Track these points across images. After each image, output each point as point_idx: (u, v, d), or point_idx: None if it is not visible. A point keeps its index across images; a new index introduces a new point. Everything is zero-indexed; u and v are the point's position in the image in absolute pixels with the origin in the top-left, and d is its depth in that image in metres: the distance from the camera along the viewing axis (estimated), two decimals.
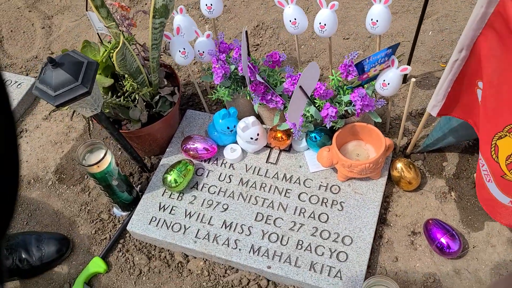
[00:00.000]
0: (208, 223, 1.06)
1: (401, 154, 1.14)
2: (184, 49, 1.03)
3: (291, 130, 1.06)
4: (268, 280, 1.01)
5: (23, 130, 1.38)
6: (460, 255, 0.99)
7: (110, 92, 1.04)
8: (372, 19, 0.94)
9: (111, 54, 0.96)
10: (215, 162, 1.16)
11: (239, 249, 1.01)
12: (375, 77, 0.99)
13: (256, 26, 1.47)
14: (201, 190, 1.12)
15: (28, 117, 1.41)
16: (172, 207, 1.10)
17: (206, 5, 1.04)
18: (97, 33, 0.99)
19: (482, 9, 0.59)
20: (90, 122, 1.09)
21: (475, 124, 0.83)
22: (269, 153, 1.15)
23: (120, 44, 0.86)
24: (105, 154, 0.99)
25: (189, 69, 1.15)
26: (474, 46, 0.66)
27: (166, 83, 1.14)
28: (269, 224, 1.04)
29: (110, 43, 1.02)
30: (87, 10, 0.92)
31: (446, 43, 1.32)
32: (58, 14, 1.68)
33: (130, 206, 1.14)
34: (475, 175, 1.06)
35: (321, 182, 1.09)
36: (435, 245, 0.98)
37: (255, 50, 1.41)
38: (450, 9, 1.40)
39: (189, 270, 1.05)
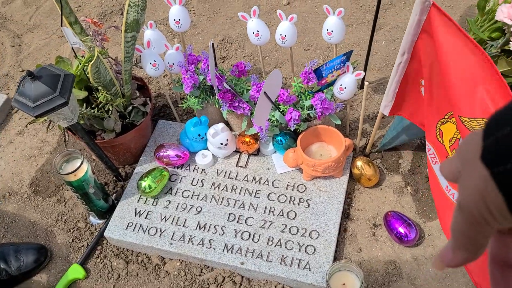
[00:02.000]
0: (183, 226, 1.11)
1: (361, 154, 1.23)
2: (154, 61, 1.09)
3: (258, 134, 1.13)
4: (242, 277, 1.07)
5: None
6: (417, 243, 1.08)
7: (84, 104, 1.09)
8: (327, 30, 1.03)
9: (86, 67, 1.02)
10: (188, 168, 1.22)
11: (214, 248, 1.07)
12: (333, 83, 1.08)
13: (222, 40, 1.55)
14: (175, 195, 1.17)
15: (1, 133, 1.43)
16: (148, 212, 1.15)
17: (175, 20, 1.11)
18: (72, 48, 1.04)
19: (416, 17, 0.68)
20: (66, 133, 1.13)
21: (420, 122, 0.93)
22: (239, 158, 1.22)
23: (95, 57, 0.92)
24: (81, 163, 1.03)
25: (160, 81, 1.22)
26: (414, 49, 0.75)
27: (138, 94, 1.19)
28: (241, 223, 1.10)
29: (84, 57, 1.07)
30: (62, 26, 0.97)
31: (398, 51, 1.43)
32: (27, 33, 1.71)
33: (106, 214, 1.18)
34: (427, 170, 1.16)
35: (288, 182, 1.16)
36: (394, 235, 1.06)
37: (222, 62, 1.49)
38: (400, 21, 1.52)
39: (166, 271, 1.10)
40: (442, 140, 0.83)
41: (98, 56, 0.93)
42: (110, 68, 1.12)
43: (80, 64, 1.02)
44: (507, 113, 0.27)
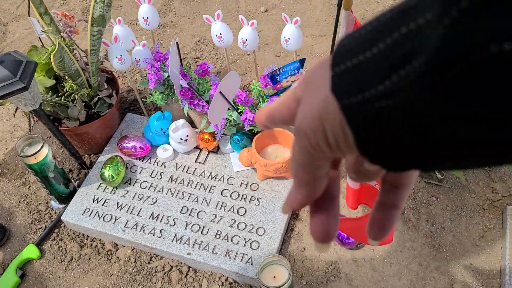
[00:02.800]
0: (137, 215, 1.16)
1: None
2: (121, 55, 1.14)
3: (215, 132, 1.18)
4: (189, 267, 1.11)
5: None
6: (359, 246, 1.13)
7: (50, 92, 1.14)
8: (285, 37, 1.09)
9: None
10: (149, 160, 1.26)
11: (164, 238, 1.12)
12: (289, 87, 1.13)
13: (198, 41, 1.61)
14: (133, 185, 1.22)
15: None
16: (105, 200, 1.19)
17: (143, 18, 1.17)
18: (39, 38, 1.09)
19: (344, 29, 0.74)
20: (31, 118, 1.18)
21: None
22: (199, 154, 1.27)
23: (57, 47, 0.97)
24: (41, 147, 1.08)
25: (128, 76, 1.27)
26: None
27: (106, 86, 1.24)
28: (193, 216, 1.15)
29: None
30: (29, 16, 1.02)
31: None
32: (13, 22, 1.77)
33: (67, 199, 1.23)
34: None
35: (243, 180, 1.21)
36: (336, 236, 1.11)
37: (195, 62, 1.54)
38: None
39: (117, 257, 1.14)
40: None
41: (60, 46, 0.98)
42: (79, 60, 1.17)
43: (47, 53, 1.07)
44: (359, 39, 0.23)
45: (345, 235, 1.10)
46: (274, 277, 0.92)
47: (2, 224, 1.20)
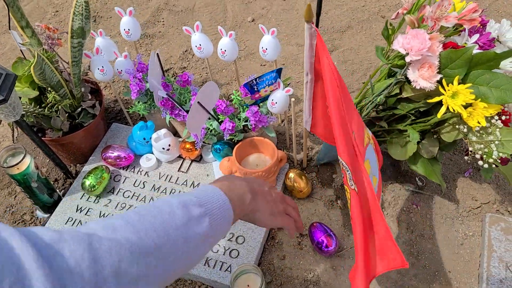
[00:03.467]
0: None
1: (299, 167, 1.29)
2: (102, 67, 1.16)
3: (194, 141, 1.20)
4: None
5: None
6: (338, 254, 1.13)
7: (33, 103, 1.16)
8: (262, 47, 1.11)
9: None
10: (133, 169, 1.28)
11: None
12: (267, 97, 1.14)
13: (185, 51, 1.63)
14: (116, 194, 1.23)
15: None
16: (89, 209, 1.21)
17: (124, 29, 1.19)
18: (20, 50, 1.11)
19: (307, 40, 0.75)
20: (16, 129, 1.20)
21: (326, 138, 1.00)
22: (182, 163, 1.28)
23: (35, 59, 0.99)
24: (23, 157, 1.10)
25: (114, 87, 1.29)
26: (315, 72, 0.82)
27: (90, 97, 1.26)
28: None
29: None
30: (10, 29, 1.05)
31: (348, 72, 1.50)
32: (4, 34, 1.79)
33: (52, 208, 1.24)
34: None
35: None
36: (315, 244, 1.12)
37: (182, 72, 1.56)
38: (355, 44, 1.60)
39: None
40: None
41: (40, 58, 1.00)
42: (63, 71, 1.19)
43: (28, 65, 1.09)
44: None
45: (323, 242, 1.10)
46: (248, 285, 0.92)
47: None
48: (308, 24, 0.71)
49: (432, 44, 0.81)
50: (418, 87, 0.85)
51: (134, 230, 0.52)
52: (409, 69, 0.85)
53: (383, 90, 0.95)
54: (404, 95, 0.92)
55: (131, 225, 0.53)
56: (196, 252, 0.59)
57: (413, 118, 0.97)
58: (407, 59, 0.83)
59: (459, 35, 0.90)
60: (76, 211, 1.20)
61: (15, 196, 1.31)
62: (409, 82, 0.88)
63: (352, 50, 1.57)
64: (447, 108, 0.84)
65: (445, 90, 0.84)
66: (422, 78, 0.84)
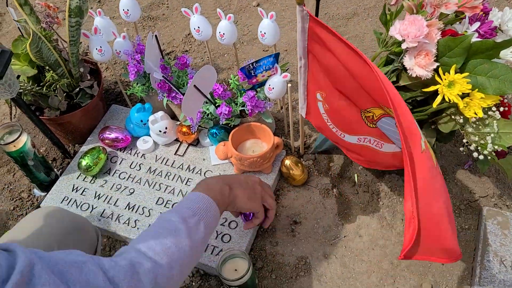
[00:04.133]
0: (114, 205, 1.18)
1: (296, 154, 1.28)
2: (100, 47, 1.16)
3: (190, 125, 1.19)
4: None
5: None
6: (332, 242, 1.12)
7: (32, 81, 1.16)
8: (261, 31, 1.09)
9: None
10: (129, 151, 1.28)
11: (138, 228, 1.13)
12: (265, 82, 1.13)
13: (188, 34, 1.61)
14: (112, 175, 1.24)
15: None
16: (84, 189, 1.21)
17: (124, 10, 1.18)
18: (18, 27, 1.11)
19: (299, 24, 0.73)
20: (14, 107, 1.20)
21: (320, 127, 0.98)
22: (179, 146, 1.28)
23: (31, 37, 0.99)
24: (20, 135, 1.10)
25: (116, 68, 1.28)
26: (308, 55, 0.80)
27: (89, 77, 1.26)
28: (168, 207, 1.16)
29: None
30: (7, 6, 1.04)
31: None
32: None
33: (49, 187, 1.25)
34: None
35: (220, 174, 1.22)
36: (242, 215, 1.07)
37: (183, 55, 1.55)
38: (360, 31, 1.57)
39: (101, 243, 1.16)
40: (375, 124, 0.88)
41: (36, 36, 1.00)
42: (62, 50, 1.19)
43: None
44: None
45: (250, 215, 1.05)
46: (236, 270, 0.92)
47: None
48: (300, 6, 0.69)
49: (430, 31, 0.79)
50: (414, 75, 0.83)
51: (159, 258, 0.68)
52: (405, 57, 0.84)
53: None
54: (401, 83, 0.90)
55: (152, 251, 0.68)
56: (198, 253, 0.77)
57: (410, 107, 0.95)
58: (403, 46, 0.81)
59: (460, 23, 0.87)
60: (72, 191, 1.21)
61: (14, 174, 1.33)
62: (405, 70, 0.86)
63: (356, 38, 1.55)
64: (443, 97, 0.82)
65: (441, 79, 0.82)
66: (418, 66, 0.82)
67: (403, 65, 0.86)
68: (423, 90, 0.85)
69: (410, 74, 0.84)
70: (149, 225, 1.12)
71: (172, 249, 0.69)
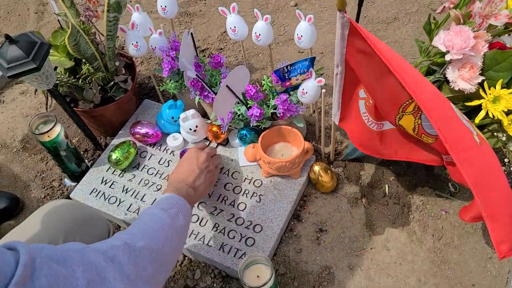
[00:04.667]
0: (141, 200, 1.18)
1: (326, 160, 1.25)
2: (136, 42, 1.16)
3: (220, 125, 1.18)
4: (185, 256, 1.13)
5: (0, 101, 1.53)
6: (357, 254, 1.10)
7: (68, 73, 1.18)
8: (297, 34, 1.07)
9: None
10: (159, 147, 1.28)
11: None
12: (298, 86, 1.11)
13: (223, 32, 1.61)
14: (141, 170, 1.24)
15: (7, 90, 1.56)
16: (113, 182, 1.23)
17: (161, 6, 1.18)
18: (58, 20, 1.13)
19: (339, 30, 0.71)
20: (49, 97, 1.22)
21: (359, 143, 0.95)
22: (208, 145, 1.27)
23: (70, 30, 1.00)
24: (54, 125, 1.12)
25: (147, 63, 1.29)
26: (346, 62, 0.78)
27: (123, 72, 1.27)
28: (194, 206, 1.16)
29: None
30: None
31: None
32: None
33: (79, 178, 1.27)
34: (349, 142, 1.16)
35: (247, 176, 1.20)
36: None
37: (218, 53, 1.54)
38: (400, 36, 1.52)
39: None
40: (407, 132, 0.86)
41: (75, 29, 1.01)
42: (99, 44, 1.20)
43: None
44: None
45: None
46: (258, 276, 0.91)
47: (17, 196, 1.26)
48: (341, 13, 0.67)
49: (476, 43, 0.75)
50: (456, 88, 0.79)
51: (150, 237, 0.75)
52: (448, 68, 0.80)
53: None
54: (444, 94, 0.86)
55: (147, 235, 0.76)
56: (182, 237, 0.86)
57: None
58: (447, 57, 0.77)
59: (509, 35, 0.83)
60: (101, 183, 1.23)
61: (46, 163, 1.35)
62: (447, 82, 0.82)
63: (396, 44, 1.50)
64: (487, 113, 0.78)
65: (486, 94, 0.77)
66: (461, 79, 0.78)
67: (445, 77, 0.82)
68: (466, 104, 0.81)
69: (452, 86, 0.80)
70: None
71: (160, 231, 0.78)
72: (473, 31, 0.76)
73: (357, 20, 1.14)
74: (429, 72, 0.90)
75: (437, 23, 0.85)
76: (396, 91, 0.75)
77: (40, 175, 1.33)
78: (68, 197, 1.23)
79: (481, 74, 0.79)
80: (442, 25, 0.85)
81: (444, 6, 0.85)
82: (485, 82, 0.78)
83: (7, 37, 0.95)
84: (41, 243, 0.74)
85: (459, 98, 0.84)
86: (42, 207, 0.90)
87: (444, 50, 0.76)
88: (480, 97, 0.79)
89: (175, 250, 0.81)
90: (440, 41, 0.76)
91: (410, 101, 0.77)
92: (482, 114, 0.78)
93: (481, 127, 0.89)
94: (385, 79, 0.74)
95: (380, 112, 0.89)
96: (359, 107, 0.89)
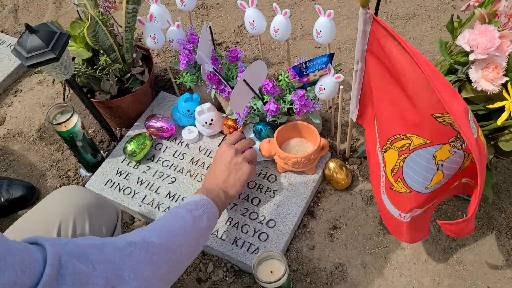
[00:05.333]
0: (155, 192, 1.19)
1: (341, 157, 1.24)
2: (154, 34, 1.16)
3: (236, 119, 1.18)
4: None
5: (18, 90, 1.55)
6: (371, 252, 1.09)
7: (86, 64, 1.18)
8: (316, 29, 1.06)
9: None
10: (174, 140, 1.29)
11: None
12: (316, 81, 1.10)
13: (240, 26, 1.60)
14: (156, 162, 1.25)
15: (24, 80, 1.57)
16: (128, 173, 1.23)
17: None
18: (77, 11, 1.13)
19: (361, 27, 0.70)
20: (67, 88, 1.23)
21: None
22: (223, 139, 1.27)
23: (89, 21, 1.00)
24: (71, 116, 1.13)
25: (163, 55, 1.29)
26: (366, 60, 0.76)
27: (140, 63, 1.27)
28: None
29: None
30: None
31: None
32: None
33: (94, 168, 1.28)
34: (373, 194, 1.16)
35: (262, 171, 1.20)
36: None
37: (234, 47, 1.54)
38: (419, 33, 1.50)
39: (132, 229, 1.18)
40: (385, 169, 0.84)
41: (94, 20, 1.01)
42: (117, 35, 1.20)
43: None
44: None
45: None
46: (271, 271, 0.91)
47: (33, 185, 1.28)
48: (364, 9, 0.66)
49: (501, 43, 0.74)
50: (479, 89, 0.78)
51: (168, 236, 0.76)
52: (471, 68, 0.78)
53: None
54: (463, 95, 0.84)
55: (166, 234, 0.76)
56: (201, 239, 0.85)
57: None
58: (471, 57, 0.76)
59: None
60: (116, 174, 1.23)
61: (62, 152, 1.36)
62: (470, 81, 0.81)
63: (415, 40, 1.48)
64: (510, 115, 0.77)
65: (509, 95, 0.76)
66: (485, 79, 0.76)
67: (468, 77, 0.81)
68: (488, 106, 0.79)
69: (474, 87, 0.78)
70: None
71: (180, 231, 0.78)
72: (499, 31, 0.74)
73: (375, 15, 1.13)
74: (450, 71, 0.88)
75: (461, 22, 0.83)
76: (399, 115, 0.73)
77: (56, 164, 1.34)
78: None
79: (505, 75, 0.77)
80: (466, 23, 0.83)
81: (469, 4, 0.83)
82: (509, 83, 0.76)
83: (28, 26, 0.95)
84: (55, 226, 0.82)
85: (481, 98, 0.83)
86: (54, 192, 0.91)
87: (468, 49, 0.75)
88: (503, 99, 0.77)
89: (193, 251, 0.82)
90: (464, 40, 0.75)
91: (402, 136, 0.75)
92: (505, 115, 0.77)
93: (502, 128, 0.87)
94: (393, 93, 0.73)
95: (376, 130, 0.88)
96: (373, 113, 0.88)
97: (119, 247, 0.66)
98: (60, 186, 1.29)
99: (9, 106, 1.51)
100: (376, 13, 1.01)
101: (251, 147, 1.13)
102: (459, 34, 0.79)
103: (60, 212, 0.84)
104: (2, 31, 1.74)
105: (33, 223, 0.85)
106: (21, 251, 0.53)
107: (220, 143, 1.24)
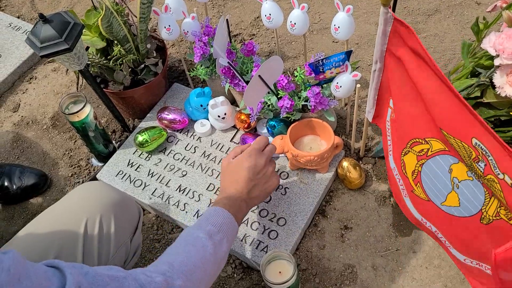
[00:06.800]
0: (166, 185, 1.18)
1: (355, 156, 1.22)
2: (169, 26, 1.14)
3: (249, 114, 1.16)
4: None
5: (32, 77, 1.55)
6: (382, 254, 1.07)
7: (100, 54, 1.17)
8: (335, 25, 1.03)
9: None
10: (186, 133, 1.27)
11: (186, 212, 1.13)
12: (332, 79, 1.07)
13: (257, 18, 1.57)
14: (167, 155, 1.24)
15: (39, 67, 1.57)
16: (139, 165, 1.23)
17: None
18: (92, 0, 1.12)
19: (381, 26, 0.67)
20: (80, 77, 1.22)
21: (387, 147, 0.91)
22: (235, 134, 1.26)
23: (104, 11, 0.99)
24: (84, 106, 1.12)
25: (178, 47, 1.27)
26: (385, 60, 0.74)
27: (155, 54, 1.26)
28: (218, 194, 1.15)
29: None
30: None
31: None
32: None
33: (106, 158, 1.28)
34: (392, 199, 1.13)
35: None
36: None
37: (250, 39, 1.51)
38: (440, 30, 1.46)
39: (142, 222, 1.18)
40: (406, 172, 0.82)
41: (108, 10, 0.99)
42: (132, 26, 1.19)
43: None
44: None
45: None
46: (280, 272, 0.90)
47: (45, 173, 1.28)
48: (385, 8, 0.63)
49: None
50: (503, 94, 0.75)
51: (189, 274, 0.72)
52: (496, 73, 0.75)
53: (462, 90, 0.85)
54: (485, 100, 0.81)
55: (187, 272, 0.72)
56: (219, 268, 0.81)
57: (492, 126, 0.86)
58: (496, 61, 0.73)
59: None
60: (127, 165, 1.23)
61: (75, 141, 1.36)
62: (493, 86, 0.77)
63: (436, 37, 1.44)
64: None
65: None
66: (509, 85, 0.73)
67: (491, 81, 0.78)
68: (511, 113, 0.76)
69: (498, 92, 0.75)
70: (197, 210, 1.13)
71: (200, 265, 0.74)
72: None
73: (393, 11, 1.09)
74: (473, 74, 0.85)
75: (487, 23, 0.80)
76: (418, 118, 0.71)
77: (68, 153, 1.34)
78: (95, 178, 1.24)
79: None
80: (492, 25, 0.80)
81: (496, 5, 0.80)
82: None
83: (41, 16, 0.94)
84: (82, 223, 0.81)
85: (504, 104, 0.80)
86: (79, 187, 0.90)
87: (493, 53, 0.72)
88: None
89: (211, 279, 0.79)
90: (490, 43, 0.72)
91: (421, 140, 0.72)
92: None
93: None
94: (414, 96, 0.70)
95: (394, 133, 0.84)
96: (387, 113, 0.85)
97: (141, 284, 0.63)
98: (71, 175, 1.29)
99: (23, 93, 1.51)
100: (393, 8, 0.98)
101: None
102: (484, 37, 0.76)
103: (86, 209, 0.83)
104: (18, 17, 1.74)
105: (58, 218, 0.83)
106: (39, 276, 0.51)
107: (239, 143, 1.21)
